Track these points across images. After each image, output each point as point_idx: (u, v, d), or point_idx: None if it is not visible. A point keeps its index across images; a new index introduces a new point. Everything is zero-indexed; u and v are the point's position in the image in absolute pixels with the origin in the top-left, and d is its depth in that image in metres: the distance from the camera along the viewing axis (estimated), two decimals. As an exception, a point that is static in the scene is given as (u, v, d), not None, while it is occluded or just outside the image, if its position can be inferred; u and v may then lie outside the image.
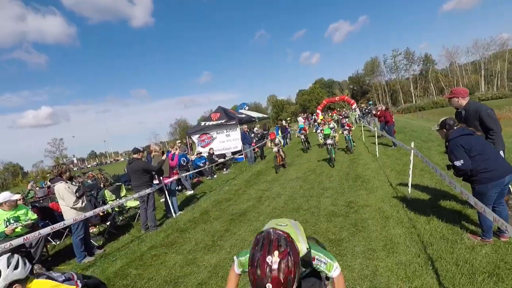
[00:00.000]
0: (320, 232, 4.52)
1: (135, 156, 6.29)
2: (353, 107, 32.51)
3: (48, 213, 6.78)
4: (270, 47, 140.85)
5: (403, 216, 4.54)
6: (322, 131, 12.39)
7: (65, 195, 4.95)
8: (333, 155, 9.55)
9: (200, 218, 6.40)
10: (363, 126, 16.19)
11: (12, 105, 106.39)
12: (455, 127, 3.47)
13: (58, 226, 4.77)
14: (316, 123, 27.07)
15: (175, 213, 7.01)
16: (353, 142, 12.43)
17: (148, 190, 6.14)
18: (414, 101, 66.65)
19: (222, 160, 13.00)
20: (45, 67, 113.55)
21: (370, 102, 18.38)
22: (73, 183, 5.28)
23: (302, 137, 14.65)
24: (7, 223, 4.70)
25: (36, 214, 5.28)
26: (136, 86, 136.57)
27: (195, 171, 11.21)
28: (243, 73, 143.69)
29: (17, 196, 5.01)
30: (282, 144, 12.24)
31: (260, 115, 21.06)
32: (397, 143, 8.93)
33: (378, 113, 14.00)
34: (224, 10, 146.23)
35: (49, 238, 6.10)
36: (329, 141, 9.70)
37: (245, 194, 7.87)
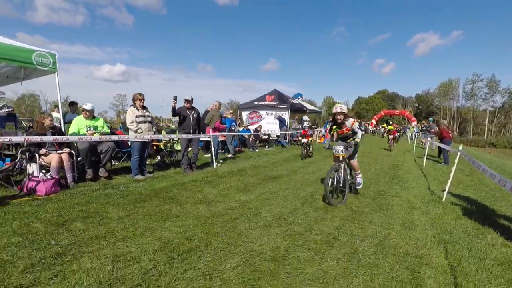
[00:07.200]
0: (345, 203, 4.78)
1: (185, 104, 7.05)
2: (413, 124, 30.69)
3: (114, 138, 8.02)
4: (344, 46, 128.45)
5: (431, 209, 4.59)
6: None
7: (127, 115, 6.16)
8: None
9: (238, 173, 7.01)
10: (416, 144, 15.54)
11: (95, 57, 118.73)
12: None
13: (125, 138, 5.98)
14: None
15: (215, 164, 7.74)
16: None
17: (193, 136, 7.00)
18: (485, 136, 59.81)
19: (266, 136, 13.53)
20: (130, 28, 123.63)
21: (431, 119, 17.27)
22: (145, 111, 6.24)
23: (305, 140, 10.75)
24: (88, 129, 5.83)
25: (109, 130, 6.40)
26: (203, 60, 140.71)
27: (240, 137, 11.98)
28: (309, 67, 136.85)
29: (91, 105, 6.10)
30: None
31: (312, 107, 21.07)
32: (448, 149, 8.58)
33: (442, 128, 12.72)
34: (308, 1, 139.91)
35: (111, 159, 7.25)
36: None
37: (281, 166, 8.30)
